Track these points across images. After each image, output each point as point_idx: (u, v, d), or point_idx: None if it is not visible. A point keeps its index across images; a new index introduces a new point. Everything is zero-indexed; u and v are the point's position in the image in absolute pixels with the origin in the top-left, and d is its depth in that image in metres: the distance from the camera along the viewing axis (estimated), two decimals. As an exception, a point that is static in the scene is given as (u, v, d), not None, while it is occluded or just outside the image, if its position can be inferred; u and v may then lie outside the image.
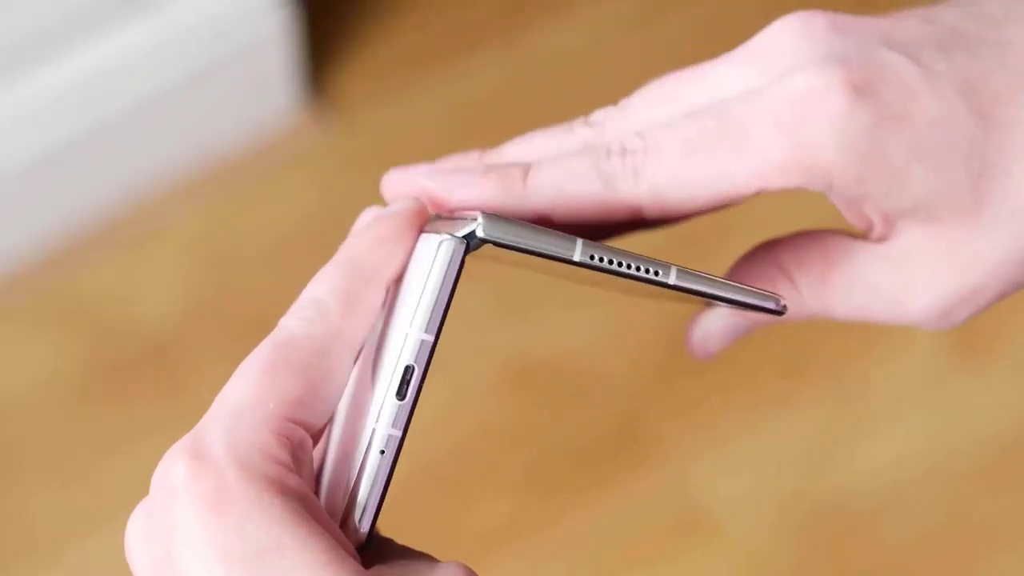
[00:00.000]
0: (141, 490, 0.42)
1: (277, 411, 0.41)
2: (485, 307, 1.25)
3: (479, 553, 1.17)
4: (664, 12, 1.37)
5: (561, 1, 1.39)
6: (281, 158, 1.33)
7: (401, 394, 0.42)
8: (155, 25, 1.21)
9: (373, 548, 0.43)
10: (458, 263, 0.42)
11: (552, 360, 1.24)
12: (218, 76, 1.27)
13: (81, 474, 1.19)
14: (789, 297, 0.50)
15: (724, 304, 0.46)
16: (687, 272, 0.45)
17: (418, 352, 0.42)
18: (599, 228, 0.50)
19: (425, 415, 1.23)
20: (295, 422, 0.42)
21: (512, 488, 1.20)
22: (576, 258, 0.44)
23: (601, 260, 0.44)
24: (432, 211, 0.48)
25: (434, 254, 0.42)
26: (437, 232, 0.43)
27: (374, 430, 0.42)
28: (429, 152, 1.48)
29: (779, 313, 0.46)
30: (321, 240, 1.33)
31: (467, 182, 0.48)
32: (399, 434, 0.42)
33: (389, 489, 0.43)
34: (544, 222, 0.48)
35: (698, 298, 0.46)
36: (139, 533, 0.41)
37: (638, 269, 0.44)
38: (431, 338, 0.42)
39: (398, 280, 0.44)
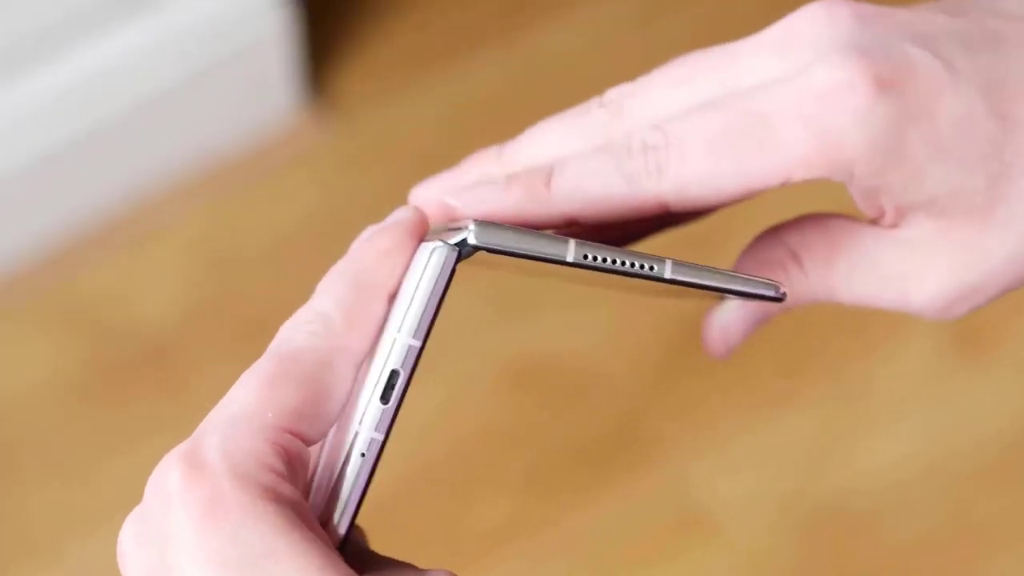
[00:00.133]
0: (141, 490, 0.42)
1: (275, 422, 0.42)
2: (485, 307, 1.25)
3: (479, 553, 1.17)
4: (664, 12, 1.37)
5: (561, 1, 1.39)
6: (281, 158, 1.33)
7: (385, 398, 0.42)
8: (155, 25, 1.21)
9: (351, 553, 0.43)
10: (449, 270, 0.43)
11: (552, 360, 1.24)
12: (218, 76, 1.27)
13: (81, 474, 1.19)
14: (796, 280, 0.50)
15: (723, 294, 0.46)
16: (682, 265, 0.45)
17: (405, 357, 0.42)
18: (628, 227, 0.50)
19: (425, 416, 1.24)
20: (293, 433, 0.42)
21: (512, 488, 1.20)
22: (570, 259, 0.44)
23: (595, 259, 0.44)
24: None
25: (426, 261, 0.43)
26: (435, 239, 0.43)
27: (357, 433, 0.43)
28: (429, 152, 1.49)
29: (778, 299, 0.46)
30: (321, 240, 1.33)
31: (490, 196, 0.48)
32: (381, 438, 0.43)
33: (369, 490, 0.43)
34: (572, 226, 0.48)
35: (699, 291, 0.46)
36: (133, 539, 0.41)
37: (632, 265, 0.44)
38: (418, 344, 0.42)
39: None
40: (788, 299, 0.50)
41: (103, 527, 1.15)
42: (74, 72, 1.20)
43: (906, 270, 0.49)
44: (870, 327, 1.25)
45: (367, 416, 0.42)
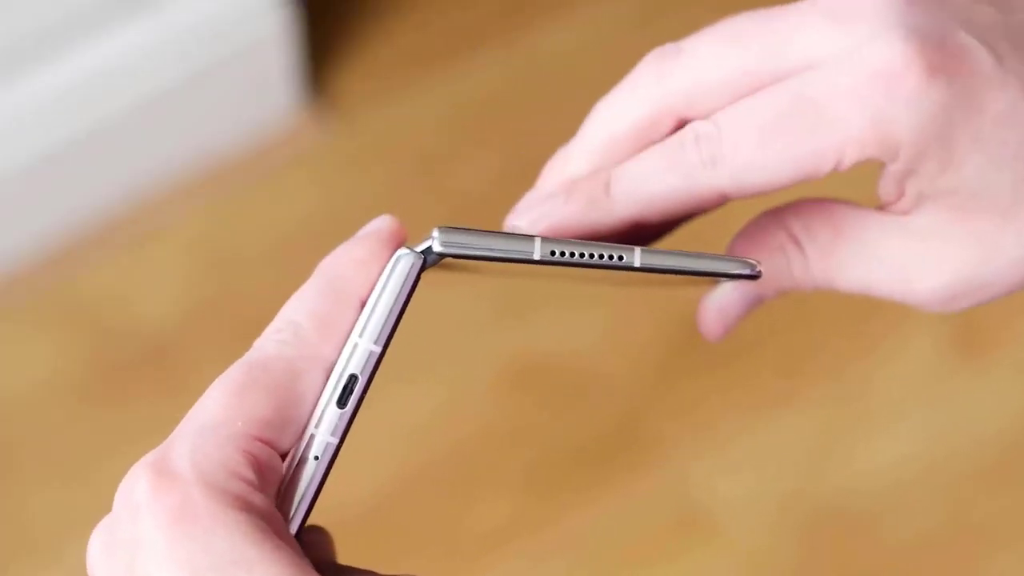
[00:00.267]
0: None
1: (245, 430, 0.41)
2: (485, 308, 1.25)
3: (479, 553, 1.17)
4: (664, 12, 1.37)
5: (561, 1, 1.39)
6: (281, 158, 1.33)
7: (342, 402, 0.42)
8: (155, 25, 1.21)
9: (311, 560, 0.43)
10: (413, 278, 0.43)
11: (552, 360, 1.24)
12: (218, 76, 1.27)
13: (81, 474, 1.19)
14: (795, 265, 0.50)
15: (698, 276, 0.46)
16: (651, 251, 0.45)
17: (364, 362, 0.42)
18: (692, 219, 0.50)
19: (424, 416, 1.24)
20: (263, 441, 0.42)
21: (512, 488, 1.20)
22: (536, 256, 0.44)
23: (563, 255, 0.44)
24: None
25: (391, 267, 0.43)
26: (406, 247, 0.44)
27: (312, 436, 0.42)
28: (429, 152, 1.49)
29: (754, 277, 0.46)
30: (321, 240, 1.32)
31: (553, 210, 0.48)
32: (336, 442, 0.43)
33: (322, 492, 0.43)
34: (639, 227, 0.48)
35: (680, 278, 0.46)
36: (101, 550, 0.41)
37: (602, 257, 0.44)
38: (379, 349, 0.43)
39: None
40: (786, 284, 0.49)
41: (103, 527, 1.15)
42: (74, 72, 1.20)
43: (911, 259, 0.49)
44: (870, 327, 1.25)
45: (324, 420, 0.42)
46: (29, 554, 1.17)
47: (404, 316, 0.43)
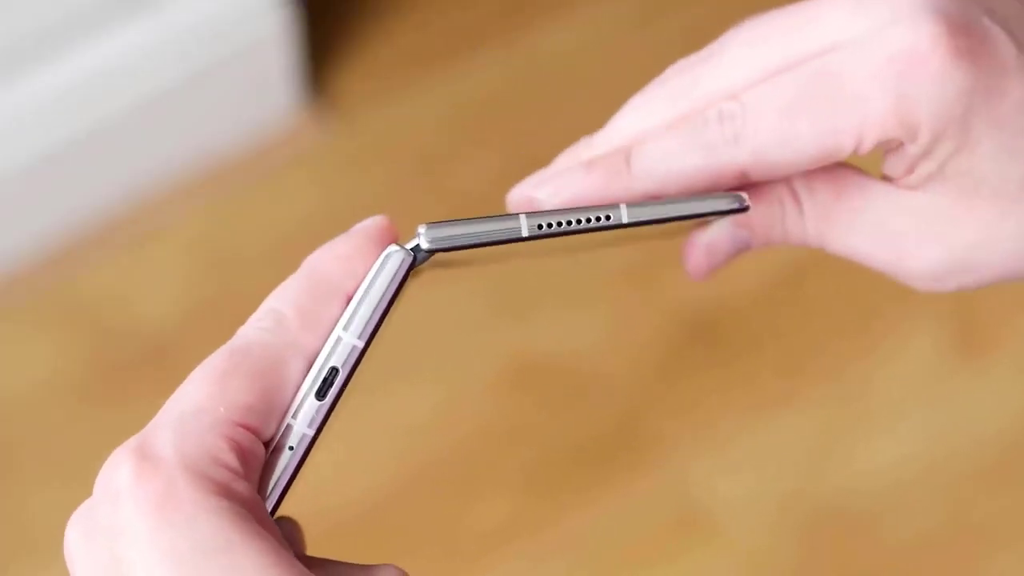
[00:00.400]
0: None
1: (227, 416, 0.41)
2: (484, 307, 1.25)
3: (479, 553, 1.17)
4: (664, 12, 1.37)
5: (561, 1, 1.39)
6: (281, 158, 1.33)
7: (321, 394, 0.42)
8: (155, 25, 1.21)
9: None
10: (401, 275, 0.43)
11: (552, 360, 1.24)
12: (218, 76, 1.27)
13: (81, 474, 1.19)
14: (791, 220, 0.50)
15: (689, 219, 0.46)
16: (639, 205, 0.45)
17: (346, 356, 0.43)
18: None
19: (424, 416, 1.24)
20: (246, 428, 0.42)
21: (512, 488, 1.20)
22: (525, 233, 0.44)
23: (551, 226, 0.44)
24: None
25: (380, 262, 0.43)
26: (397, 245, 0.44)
27: (289, 426, 0.43)
28: (429, 152, 1.49)
29: (743, 210, 0.46)
30: (321, 240, 1.32)
31: (573, 181, 0.48)
32: (312, 433, 0.43)
33: (295, 481, 0.43)
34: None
35: (672, 224, 0.46)
36: (81, 536, 0.41)
37: (589, 220, 0.44)
38: (362, 344, 0.43)
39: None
40: (776, 237, 0.50)
41: (103, 527, 1.15)
42: (74, 72, 1.20)
43: (907, 233, 0.49)
44: (870, 327, 1.25)
45: (302, 411, 0.43)
46: (29, 554, 1.17)
47: (397, 314, 0.43)
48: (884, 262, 0.50)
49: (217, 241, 1.29)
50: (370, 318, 0.43)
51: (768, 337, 1.24)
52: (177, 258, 1.28)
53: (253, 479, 0.42)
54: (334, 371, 0.43)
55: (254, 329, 0.43)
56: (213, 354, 0.42)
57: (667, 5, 1.37)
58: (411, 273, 0.43)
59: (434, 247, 0.43)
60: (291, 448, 0.42)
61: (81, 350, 1.24)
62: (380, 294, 0.43)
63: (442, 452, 1.21)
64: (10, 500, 1.19)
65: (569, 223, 0.44)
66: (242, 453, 0.41)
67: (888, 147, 0.48)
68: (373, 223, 0.45)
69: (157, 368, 1.23)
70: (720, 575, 1.18)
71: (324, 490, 1.15)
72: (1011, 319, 1.25)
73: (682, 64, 0.49)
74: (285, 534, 0.44)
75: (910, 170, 0.48)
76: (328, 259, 0.44)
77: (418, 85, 1.36)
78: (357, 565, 0.42)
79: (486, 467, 1.20)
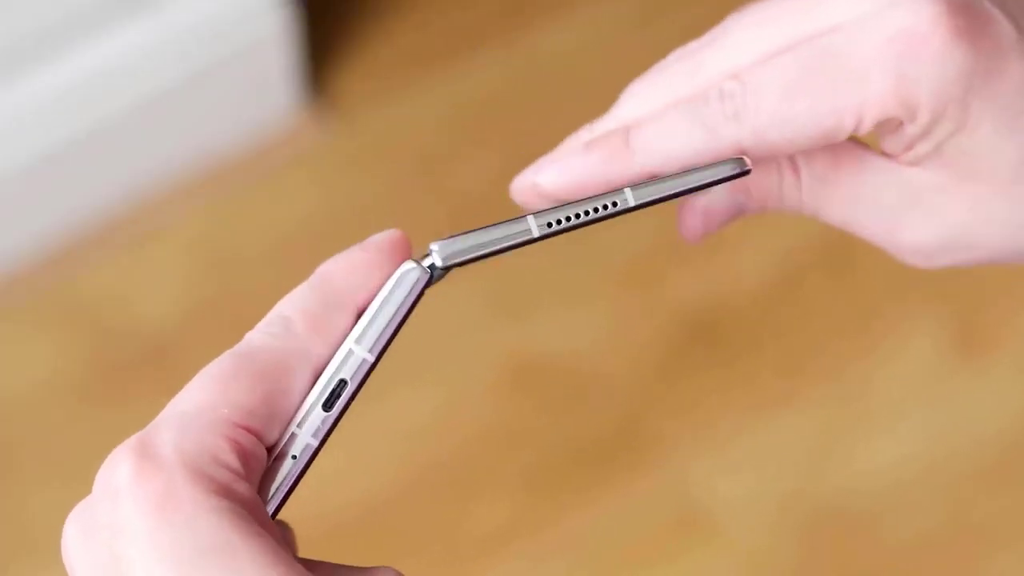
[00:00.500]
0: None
1: (230, 417, 0.41)
2: (484, 307, 1.25)
3: (479, 554, 1.17)
4: (664, 12, 1.37)
5: (561, 1, 1.39)
6: (281, 158, 1.33)
7: (328, 406, 0.42)
8: (155, 25, 1.21)
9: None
10: (417, 292, 0.43)
11: (551, 360, 1.24)
12: (218, 76, 1.27)
13: (81, 474, 1.19)
14: (788, 187, 0.50)
15: (695, 192, 0.46)
16: (642, 187, 0.45)
17: (356, 369, 0.43)
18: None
19: (423, 416, 1.24)
20: (248, 430, 0.42)
21: (512, 489, 1.20)
22: (536, 234, 0.44)
23: (559, 222, 0.44)
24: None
25: (396, 279, 0.43)
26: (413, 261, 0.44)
27: (294, 435, 0.42)
28: (429, 152, 1.48)
29: (746, 173, 0.46)
30: (321, 240, 1.33)
31: (574, 164, 0.48)
32: (316, 444, 0.43)
33: (297, 488, 0.43)
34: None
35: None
36: (79, 535, 0.41)
37: (597, 210, 0.44)
38: (372, 358, 0.43)
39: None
40: (772, 203, 0.50)
41: (103, 527, 1.15)
42: (74, 72, 1.20)
43: (902, 208, 0.49)
44: (870, 327, 1.25)
45: (308, 421, 0.42)
46: (29, 554, 1.17)
47: (402, 328, 0.43)
48: (876, 234, 0.50)
49: (217, 241, 1.29)
50: (383, 333, 0.43)
51: (768, 337, 1.24)
52: (177, 258, 1.28)
53: (254, 481, 0.41)
54: (343, 383, 0.42)
55: (262, 334, 0.43)
56: (219, 357, 0.42)
57: (667, 5, 1.37)
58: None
59: (449, 263, 0.43)
60: (294, 457, 0.42)
61: (81, 350, 1.24)
62: (395, 310, 0.43)
63: (442, 454, 1.21)
64: (10, 500, 1.19)
65: (577, 216, 0.44)
66: (244, 454, 0.41)
67: (886, 127, 0.48)
68: (387, 236, 0.45)
69: (157, 368, 1.23)
70: (720, 575, 1.18)
71: (325, 492, 1.15)
72: (1011, 319, 1.25)
73: (683, 50, 0.50)
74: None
75: (908, 149, 0.48)
76: (340, 269, 0.44)
77: (418, 85, 1.36)
78: (354, 568, 0.42)
79: (486, 468, 1.20)
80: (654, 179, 0.45)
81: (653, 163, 0.48)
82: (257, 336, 0.43)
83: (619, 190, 0.44)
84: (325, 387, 0.42)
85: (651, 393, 1.23)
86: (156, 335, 1.24)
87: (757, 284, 1.25)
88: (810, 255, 1.25)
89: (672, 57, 0.50)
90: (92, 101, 1.22)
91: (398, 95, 1.35)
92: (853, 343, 1.24)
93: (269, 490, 0.42)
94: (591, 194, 0.47)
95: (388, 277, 0.44)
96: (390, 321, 0.43)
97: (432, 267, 0.43)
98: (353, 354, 0.43)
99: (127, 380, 1.23)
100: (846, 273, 1.24)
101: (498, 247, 0.44)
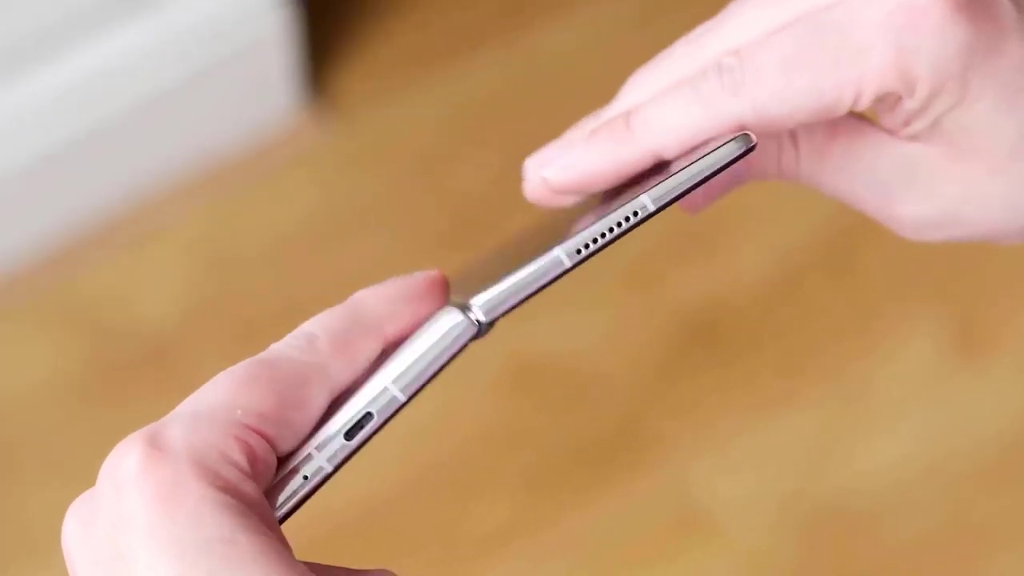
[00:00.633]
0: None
1: (243, 419, 0.41)
2: (485, 307, 1.25)
3: (479, 554, 1.17)
4: (664, 12, 1.37)
5: (561, 1, 1.39)
6: (281, 158, 1.33)
7: (350, 435, 0.42)
8: (155, 25, 1.21)
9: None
10: (461, 344, 0.44)
11: (551, 360, 1.24)
12: (218, 76, 1.27)
13: (81, 474, 1.19)
14: (786, 157, 0.50)
15: (710, 179, 0.45)
16: (657, 189, 0.44)
17: (385, 405, 0.43)
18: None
19: (423, 417, 1.24)
20: (260, 434, 0.42)
21: (512, 489, 1.20)
22: (568, 265, 0.44)
23: (587, 247, 0.44)
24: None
25: (445, 328, 0.44)
26: (458, 304, 0.44)
27: (309, 455, 0.42)
28: (429, 152, 1.48)
29: (753, 148, 0.46)
30: (321, 240, 1.33)
31: (579, 155, 0.48)
32: (330, 469, 0.43)
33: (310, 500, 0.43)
34: (660, 165, 0.48)
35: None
36: (79, 525, 0.41)
37: (620, 224, 0.44)
38: (404, 399, 0.43)
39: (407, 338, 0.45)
40: (770, 172, 0.50)
41: (103, 527, 1.15)
42: (74, 72, 1.20)
43: (899, 181, 0.49)
44: (870, 327, 1.25)
45: (327, 446, 0.42)
46: (29, 554, 1.17)
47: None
48: (872, 206, 0.50)
49: (217, 241, 1.29)
50: (420, 377, 0.43)
51: (768, 337, 1.24)
52: (177, 258, 1.28)
53: (262, 484, 0.41)
54: (368, 415, 0.42)
55: (285, 345, 0.43)
56: (241, 362, 0.43)
57: (667, 5, 1.37)
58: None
59: (492, 318, 0.44)
60: (305, 477, 0.42)
61: (81, 350, 1.24)
62: (436, 357, 0.43)
63: (442, 454, 1.21)
64: (10, 500, 1.19)
65: (603, 235, 0.44)
66: (253, 457, 0.41)
67: (885, 103, 0.48)
68: (429, 275, 0.45)
69: (157, 368, 1.23)
70: (720, 575, 1.18)
71: (325, 492, 1.15)
72: (1011, 319, 1.25)
73: (687, 37, 0.50)
74: None
75: (906, 124, 0.48)
76: (376, 298, 0.44)
77: (418, 85, 1.36)
78: (351, 570, 0.42)
79: (486, 468, 1.20)
80: (665, 176, 0.45)
81: (655, 143, 0.48)
82: (280, 346, 0.43)
83: (636, 200, 0.44)
84: (352, 417, 0.42)
85: (651, 393, 1.23)
86: (156, 335, 1.24)
87: (757, 284, 1.25)
88: (810, 255, 1.25)
89: (678, 44, 0.50)
90: (92, 101, 1.22)
91: (398, 95, 1.35)
92: (853, 343, 1.24)
93: (276, 501, 0.42)
94: (601, 182, 0.47)
95: (419, 313, 0.44)
96: (430, 367, 0.43)
97: (479, 323, 0.44)
98: (387, 391, 0.43)
99: (127, 380, 1.23)
100: (846, 273, 1.24)
101: (535, 289, 0.44)
